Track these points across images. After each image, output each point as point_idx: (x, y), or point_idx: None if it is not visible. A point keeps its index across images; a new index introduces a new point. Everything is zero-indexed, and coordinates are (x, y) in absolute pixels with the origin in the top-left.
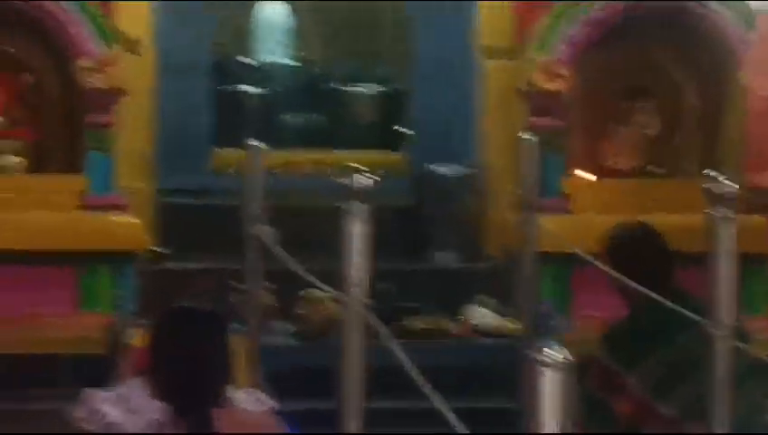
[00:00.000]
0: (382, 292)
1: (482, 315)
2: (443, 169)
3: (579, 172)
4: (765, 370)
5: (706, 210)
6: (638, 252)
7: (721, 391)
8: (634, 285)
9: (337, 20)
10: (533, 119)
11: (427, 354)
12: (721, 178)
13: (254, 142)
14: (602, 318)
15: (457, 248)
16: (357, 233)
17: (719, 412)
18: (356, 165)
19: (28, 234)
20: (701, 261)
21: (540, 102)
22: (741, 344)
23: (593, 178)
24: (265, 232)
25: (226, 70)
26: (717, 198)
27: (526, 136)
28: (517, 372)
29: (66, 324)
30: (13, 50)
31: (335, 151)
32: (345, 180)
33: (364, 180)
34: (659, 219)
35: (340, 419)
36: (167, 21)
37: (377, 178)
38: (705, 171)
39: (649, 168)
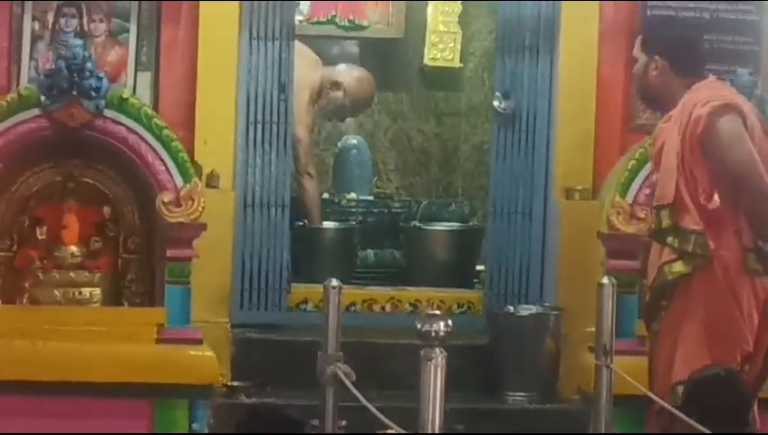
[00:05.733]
0: (455, 432)
1: None
2: (519, 309)
3: None
4: None
5: None
6: (718, 396)
7: None
8: (705, 431)
9: (414, 155)
10: (611, 261)
11: None
12: None
13: (333, 281)
14: None
15: (532, 389)
16: (433, 377)
17: None
18: (434, 311)
19: (105, 366)
20: None
21: (617, 245)
22: None
23: None
24: (342, 370)
25: None
26: None
27: (605, 281)
28: None
29: None
30: (93, 182)
31: (412, 289)
32: (422, 325)
33: (441, 326)
34: None
35: None
36: (248, 156)
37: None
38: None
39: None
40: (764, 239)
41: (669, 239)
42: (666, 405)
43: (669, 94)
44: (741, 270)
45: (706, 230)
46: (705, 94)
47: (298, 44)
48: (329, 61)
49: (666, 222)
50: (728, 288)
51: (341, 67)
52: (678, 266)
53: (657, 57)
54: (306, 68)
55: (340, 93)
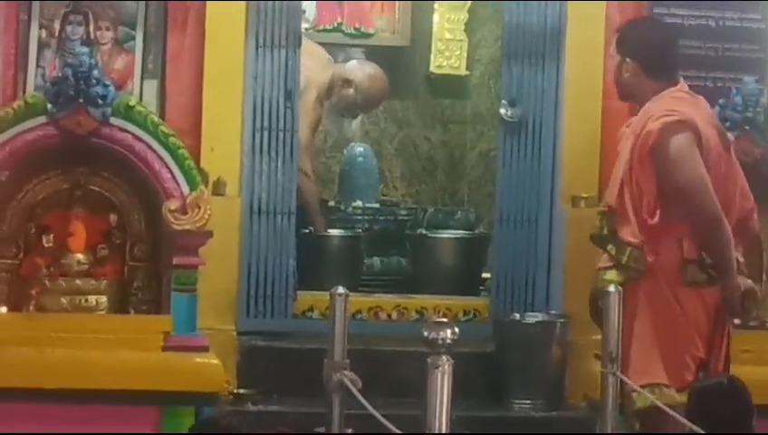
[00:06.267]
0: None
1: None
2: (525, 317)
3: None
4: None
5: None
6: (721, 405)
7: None
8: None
9: (420, 163)
10: None
11: None
12: None
13: (340, 288)
14: None
15: (538, 397)
16: (439, 385)
17: None
18: (441, 319)
19: (112, 373)
20: None
21: None
22: None
23: None
24: (349, 377)
25: None
26: None
27: (611, 288)
28: None
29: None
30: (99, 189)
31: (418, 296)
32: (429, 333)
33: (448, 334)
34: (746, 371)
35: None
36: (254, 163)
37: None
38: None
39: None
40: (707, 252)
41: (609, 247)
42: (668, 411)
43: (643, 95)
44: (680, 279)
45: (646, 243)
46: (662, 107)
47: (310, 44)
48: None
49: (607, 229)
50: (672, 297)
51: (353, 63)
52: (611, 275)
53: (628, 59)
54: (317, 67)
55: (351, 90)
